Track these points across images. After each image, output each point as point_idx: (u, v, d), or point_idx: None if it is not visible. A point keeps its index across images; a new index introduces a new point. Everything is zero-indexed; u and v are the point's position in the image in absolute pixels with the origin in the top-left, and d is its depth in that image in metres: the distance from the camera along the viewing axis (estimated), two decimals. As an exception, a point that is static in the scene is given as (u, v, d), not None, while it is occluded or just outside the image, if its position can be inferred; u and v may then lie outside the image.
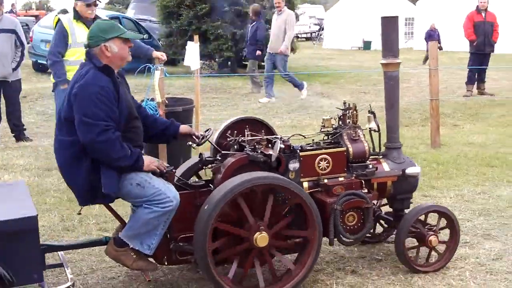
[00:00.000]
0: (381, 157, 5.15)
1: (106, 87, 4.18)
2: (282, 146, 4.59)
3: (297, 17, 21.08)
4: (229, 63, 19.94)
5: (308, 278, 4.64)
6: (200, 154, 4.85)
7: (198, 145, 4.83)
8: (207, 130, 4.92)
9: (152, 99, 7.42)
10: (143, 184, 4.25)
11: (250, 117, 5.08)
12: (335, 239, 4.67)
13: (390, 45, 5.18)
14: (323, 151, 4.77)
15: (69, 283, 4.27)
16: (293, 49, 20.51)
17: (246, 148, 4.67)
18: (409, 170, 5.01)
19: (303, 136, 5.19)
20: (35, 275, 4.03)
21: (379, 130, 5.19)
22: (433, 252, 4.97)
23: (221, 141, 4.88)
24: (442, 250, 4.98)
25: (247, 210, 4.33)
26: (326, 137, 5.06)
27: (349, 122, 5.04)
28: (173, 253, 4.49)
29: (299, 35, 42.36)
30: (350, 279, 4.79)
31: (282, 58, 14.27)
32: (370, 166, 4.94)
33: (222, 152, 4.72)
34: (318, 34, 42.84)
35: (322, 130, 5.07)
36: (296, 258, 4.65)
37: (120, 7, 53.00)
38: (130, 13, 25.78)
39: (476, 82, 14.92)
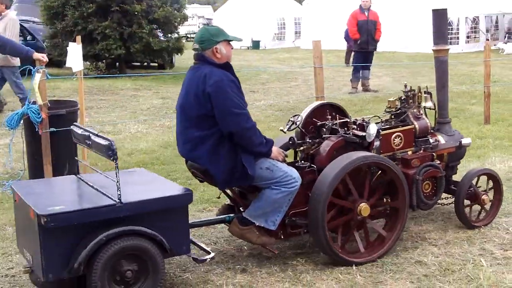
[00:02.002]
0: (435, 131, 5.85)
1: (235, 81, 4.72)
2: (378, 128, 5.22)
3: (185, 17, 21.02)
4: (117, 64, 19.61)
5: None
6: (292, 138, 5.31)
7: (289, 130, 5.42)
8: (295, 116, 5.46)
9: (34, 102, 7.16)
10: (271, 168, 4.77)
11: (328, 103, 5.66)
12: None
13: (441, 34, 5.91)
14: (398, 129, 5.46)
15: (212, 254, 4.74)
16: (180, 50, 20.41)
17: (339, 131, 5.26)
18: (464, 141, 5.83)
19: (378, 116, 5.82)
20: (184, 247, 4.49)
21: (435, 108, 5.86)
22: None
23: (307, 126, 5.45)
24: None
25: (352, 185, 4.92)
26: (391, 116, 5.73)
27: (411, 102, 5.69)
28: (287, 227, 5.00)
29: (189, 36, 42.25)
30: (240, 278, 4.79)
31: (10, 70, 10.98)
32: (432, 140, 5.70)
33: (323, 136, 5.29)
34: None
35: (387, 110, 5.76)
36: (385, 225, 5.31)
37: (2, 7, 51.08)
38: (13, 14, 24.84)
39: (360, 79, 15.34)
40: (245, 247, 5.37)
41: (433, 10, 5.91)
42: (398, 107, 5.72)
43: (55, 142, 7.21)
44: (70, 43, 7.66)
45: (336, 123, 5.34)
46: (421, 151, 5.52)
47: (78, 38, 7.75)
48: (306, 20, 32.41)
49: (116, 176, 4.14)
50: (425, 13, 26.10)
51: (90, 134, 4.48)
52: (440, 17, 5.89)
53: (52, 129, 7.17)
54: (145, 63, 20.68)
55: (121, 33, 18.42)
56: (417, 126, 5.59)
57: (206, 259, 4.67)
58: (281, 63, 24.46)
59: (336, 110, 5.60)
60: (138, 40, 18.45)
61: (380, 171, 5.17)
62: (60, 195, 4.60)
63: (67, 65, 7.69)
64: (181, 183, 7.32)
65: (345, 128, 5.34)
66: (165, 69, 21.42)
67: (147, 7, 18.61)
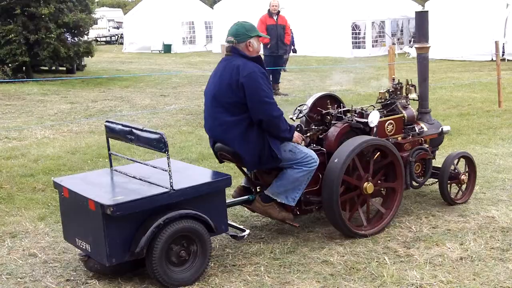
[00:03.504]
0: (418, 120, 6.45)
1: (265, 73, 5.17)
2: (379, 115, 5.81)
3: (95, 21, 20.71)
4: (24, 68, 19.09)
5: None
6: (299, 125, 5.76)
7: (297, 118, 5.93)
8: (301, 105, 6.00)
9: None
10: (294, 150, 5.28)
11: (327, 94, 6.21)
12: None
13: (422, 33, 6.56)
14: (390, 117, 6.06)
15: (247, 231, 5.29)
16: (90, 53, 20.11)
17: (344, 117, 5.88)
18: (445, 128, 6.60)
19: (373, 106, 6.26)
20: (223, 226, 4.99)
21: (418, 99, 6.55)
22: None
23: (311, 115, 6.01)
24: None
25: (359, 164, 5.52)
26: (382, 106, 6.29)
27: (399, 94, 6.34)
28: (302, 204, 5.52)
29: (98, 39, 41.61)
30: (148, 283, 4.74)
31: None
32: (418, 127, 6.33)
33: (332, 122, 5.88)
34: (118, 37, 42.37)
35: (378, 101, 6.33)
36: (383, 203, 5.92)
37: None
38: None
39: (271, 83, 15.47)
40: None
41: (416, 12, 6.64)
42: (388, 98, 6.31)
43: (-45, 149, 7.00)
44: (-29, 47, 7.43)
45: (341, 111, 6.00)
46: (410, 137, 6.17)
47: (-20, 41, 7.52)
48: (217, 24, 32.48)
49: (168, 166, 4.58)
50: (332, 19, 26.77)
51: (132, 129, 4.86)
52: (422, 18, 6.60)
53: (-48, 135, 6.95)
54: (53, 68, 20.23)
55: (27, 38, 17.93)
56: (405, 115, 6.20)
57: (244, 236, 5.23)
58: (193, 67, 24.42)
59: (334, 100, 6.21)
60: (46, 46, 18.01)
61: (379, 154, 5.76)
62: (110, 186, 4.98)
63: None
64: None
65: (348, 116, 5.97)
66: (74, 73, 21.04)
67: (56, 11, 18.19)
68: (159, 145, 4.59)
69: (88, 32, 20.71)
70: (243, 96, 5.05)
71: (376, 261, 5.05)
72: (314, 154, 5.36)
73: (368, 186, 5.60)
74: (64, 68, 21.13)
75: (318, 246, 5.40)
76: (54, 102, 14.44)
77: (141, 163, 5.18)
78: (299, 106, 6.03)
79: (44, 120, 12.16)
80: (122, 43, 38.30)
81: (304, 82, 18.17)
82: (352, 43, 27.39)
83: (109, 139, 5.35)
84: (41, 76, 19.27)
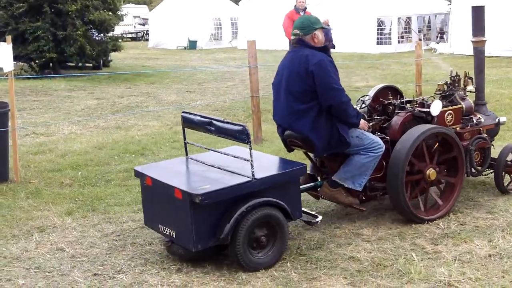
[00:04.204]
0: (475, 111, 6.58)
1: (332, 61, 5.40)
2: (441, 105, 6.01)
3: (121, 18, 20.84)
4: (51, 64, 19.25)
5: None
6: (363, 115, 5.77)
7: (360, 109, 6.09)
8: (364, 96, 6.30)
9: (-38, 104, 7.00)
10: (361, 136, 5.51)
11: (388, 85, 6.46)
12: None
13: (479, 27, 6.71)
14: (450, 107, 6.23)
15: (320, 217, 5.53)
16: (116, 50, 20.23)
17: (406, 107, 6.11)
18: (502, 119, 6.79)
19: (433, 97, 6.38)
20: (298, 212, 5.20)
21: (475, 91, 6.72)
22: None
23: (372, 105, 6.25)
24: None
25: (425, 150, 5.75)
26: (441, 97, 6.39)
27: (457, 86, 6.50)
28: (367, 190, 5.76)
29: (124, 35, 41.85)
30: (175, 278, 4.76)
31: None
32: (476, 118, 6.49)
33: (396, 111, 6.08)
34: (143, 34, 42.55)
35: (437, 92, 6.46)
36: (441, 195, 6.07)
37: None
38: None
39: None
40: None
41: (472, 6, 6.76)
42: (446, 89, 6.45)
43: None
44: (1, 43, 7.49)
45: (403, 101, 6.22)
46: (468, 127, 6.36)
47: (9, 38, 7.60)
48: (242, 20, 32.46)
49: (251, 156, 4.81)
50: (357, 15, 26.63)
51: (212, 121, 5.11)
52: (478, 12, 6.74)
53: (-19, 131, 7.03)
54: (80, 64, 20.39)
55: (54, 34, 18.09)
56: (464, 105, 6.38)
57: (317, 221, 5.47)
58: (218, 63, 24.45)
59: (394, 91, 6.43)
60: (73, 42, 18.15)
61: (442, 145, 5.95)
62: (192, 175, 5.19)
63: (-2, 65, 7.53)
64: (115, 184, 7.25)
65: (412, 105, 6.19)
66: (100, 69, 21.18)
67: (82, 7, 18.30)
68: (242, 136, 4.82)
69: (114, 29, 20.82)
70: (312, 84, 5.30)
71: (404, 258, 5.01)
72: (380, 140, 5.59)
73: (431, 173, 5.80)
74: (91, 64, 21.27)
75: (344, 242, 5.37)
76: (81, 98, 14.54)
77: (218, 152, 5.48)
78: (361, 97, 6.31)
79: (71, 115, 12.26)
80: (147, 40, 38.44)
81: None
82: (377, 39, 27.23)
83: (185, 129, 5.63)
84: (68, 72, 19.41)
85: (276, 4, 27.34)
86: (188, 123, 5.50)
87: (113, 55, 21.79)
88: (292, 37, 5.60)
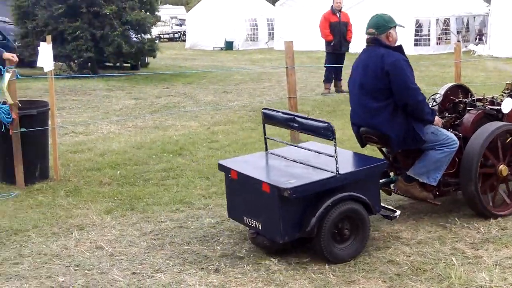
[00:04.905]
0: None
1: (408, 60, 5.56)
2: None
3: (158, 19, 20.97)
4: (90, 64, 19.45)
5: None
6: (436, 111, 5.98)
7: (432, 107, 6.03)
8: (435, 95, 6.36)
9: (4, 102, 7.08)
10: (436, 132, 5.64)
11: (458, 84, 6.60)
12: None
13: None
14: None
15: (398, 212, 5.60)
16: (153, 51, 20.36)
17: (477, 105, 6.20)
18: None
19: (502, 95, 6.55)
20: (377, 206, 5.32)
21: None
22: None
23: (443, 103, 6.35)
24: None
25: (500, 146, 5.87)
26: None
27: None
28: (440, 186, 5.87)
29: (161, 36, 42.10)
30: (213, 278, 4.78)
31: None
32: None
33: (467, 109, 6.17)
34: (181, 34, 42.77)
35: (505, 91, 6.62)
36: (509, 193, 6.14)
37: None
38: None
39: (333, 80, 15.38)
40: (218, 247, 5.36)
41: None
42: None
43: (26, 143, 7.16)
44: (41, 43, 7.58)
45: (474, 99, 6.34)
46: None
47: (49, 37, 7.68)
48: (279, 21, 32.42)
49: (335, 152, 4.93)
50: (395, 16, 26.42)
51: (295, 117, 5.27)
52: None
53: (22, 129, 7.11)
54: (118, 64, 20.58)
55: (93, 34, 18.28)
56: None
57: (396, 216, 5.54)
58: (254, 64, 24.45)
59: (464, 90, 6.57)
60: (110, 42, 18.33)
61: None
62: (276, 169, 5.34)
63: (38, 64, 7.62)
64: (153, 184, 7.30)
65: (483, 103, 6.28)
66: (138, 69, 21.33)
67: (118, 10, 18.47)
68: (327, 133, 4.95)
69: (151, 31, 20.94)
70: (387, 82, 5.46)
71: (444, 262, 4.96)
72: (454, 136, 5.70)
73: (503, 169, 5.89)
74: (129, 64, 21.44)
75: (383, 246, 5.33)
76: (119, 98, 14.66)
77: (299, 147, 5.70)
78: (432, 96, 6.40)
79: (110, 115, 12.37)
80: (184, 40, 38.62)
81: (366, 80, 17.95)
82: (415, 41, 26.96)
83: (265, 125, 5.78)
84: (106, 72, 19.59)
85: (313, 5, 27.26)
86: (269, 119, 5.67)
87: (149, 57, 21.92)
88: (367, 36, 5.72)
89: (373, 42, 5.67)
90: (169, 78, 18.43)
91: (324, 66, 15.46)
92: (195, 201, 6.66)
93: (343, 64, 15.35)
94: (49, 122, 7.64)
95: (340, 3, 15.05)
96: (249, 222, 5.20)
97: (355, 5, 25.81)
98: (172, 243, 5.50)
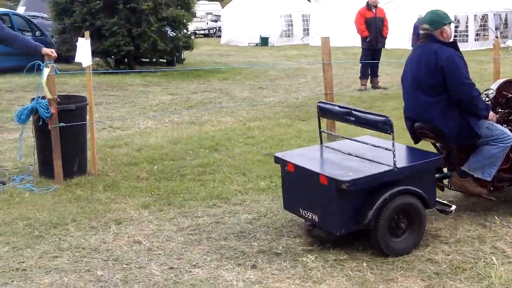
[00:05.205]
0: None
1: (462, 56, 5.59)
2: None
3: (194, 15, 21.04)
4: (126, 60, 19.60)
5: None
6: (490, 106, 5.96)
7: (489, 101, 6.06)
8: (487, 90, 6.21)
9: (44, 97, 7.17)
10: (490, 127, 5.66)
11: (510, 79, 6.39)
12: None
13: None
14: None
15: (454, 206, 5.59)
16: (189, 47, 20.44)
17: None
18: None
19: None
20: (432, 201, 5.35)
21: None
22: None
23: (496, 98, 6.18)
24: None
25: None
26: None
27: None
28: (495, 181, 5.88)
29: (197, 32, 42.25)
30: (250, 274, 4.77)
31: None
32: None
33: None
34: (216, 30, 42.89)
35: None
36: None
37: (11, 3, 51.12)
38: (21, 9, 24.96)
39: (369, 76, 15.29)
40: (255, 243, 5.36)
41: None
42: None
43: (64, 137, 7.23)
44: (80, 39, 7.65)
45: None
46: None
47: (87, 33, 7.74)
48: (314, 17, 32.32)
49: (393, 146, 4.98)
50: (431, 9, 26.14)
51: (352, 111, 5.33)
52: None
53: (61, 124, 7.18)
54: (154, 60, 20.70)
55: (130, 30, 18.41)
56: None
57: (451, 211, 5.56)
58: (289, 60, 24.41)
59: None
60: (147, 38, 18.44)
61: None
62: (333, 162, 5.39)
63: (76, 60, 7.68)
64: (190, 179, 7.32)
65: None
66: (174, 65, 21.44)
67: (155, 6, 18.56)
68: (385, 126, 5.00)
69: (188, 28, 21.02)
70: (441, 78, 5.50)
71: (483, 261, 4.89)
72: (508, 131, 5.70)
73: None
74: (165, 60, 21.56)
75: (422, 244, 5.26)
76: (155, 93, 14.75)
77: (356, 141, 5.70)
78: (485, 91, 6.28)
79: (147, 110, 12.45)
80: (220, 36, 38.72)
81: (403, 76, 17.81)
82: (453, 37, 26.67)
83: (320, 118, 5.86)
84: (143, 68, 19.71)
85: (349, 1, 27.08)
86: (324, 112, 5.74)
87: (186, 51, 22.00)
88: (421, 32, 5.78)
89: (427, 38, 5.71)
90: (204, 74, 18.48)
91: (360, 62, 15.38)
92: (231, 196, 6.67)
93: (379, 60, 15.27)
94: (87, 117, 7.70)
95: (375, -1, 14.97)
96: (305, 214, 5.27)
97: (392, 0, 25.60)
98: (209, 238, 5.51)
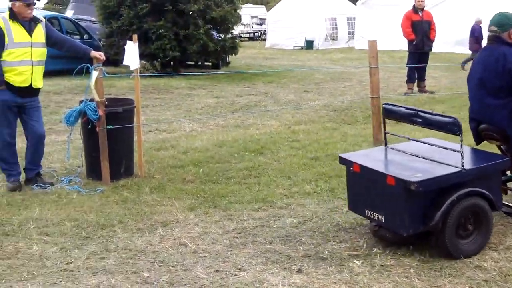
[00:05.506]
0: None
1: None
2: None
3: (240, 18, 21.11)
4: (172, 63, 19.75)
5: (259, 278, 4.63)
6: None
7: None
8: None
9: (92, 100, 7.26)
10: None
11: None
12: None
13: None
14: None
15: None
16: (235, 49, 20.51)
17: None
18: None
19: None
20: (499, 203, 5.32)
21: None
22: None
23: None
24: None
25: None
26: None
27: None
28: None
29: (242, 35, 42.40)
30: (296, 278, 4.75)
31: None
32: None
33: None
34: (261, 33, 42.98)
35: None
36: None
37: (60, 7, 52.01)
38: (69, 13, 25.37)
39: (416, 80, 15.13)
40: (301, 248, 5.33)
41: None
42: None
43: (112, 139, 7.31)
44: (128, 42, 7.73)
45: None
46: None
47: (135, 37, 7.81)
48: (360, 20, 32.14)
49: (461, 148, 4.96)
50: (481, 13, 25.74)
51: (419, 112, 5.33)
52: None
53: (109, 126, 7.26)
54: (199, 63, 20.82)
55: (176, 33, 18.53)
56: None
57: None
58: (334, 63, 24.32)
59: None
60: (194, 41, 18.55)
61: None
62: (399, 163, 5.35)
63: (124, 63, 7.76)
64: (235, 182, 7.33)
65: None
66: (219, 68, 21.54)
67: (204, 7, 18.66)
68: (453, 128, 4.97)
69: (233, 29, 21.10)
70: (509, 80, 5.47)
71: (535, 269, 4.79)
72: None
73: None
74: (210, 64, 21.67)
75: (471, 250, 5.18)
76: (201, 96, 14.82)
77: (422, 142, 5.74)
78: None
79: (192, 113, 12.52)
80: (264, 40, 38.79)
81: (450, 80, 17.62)
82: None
83: (385, 120, 5.88)
84: (188, 71, 19.84)
85: (395, 4, 26.85)
86: (390, 114, 5.74)
87: (231, 55, 22.09)
88: (489, 34, 5.75)
89: (495, 40, 5.69)
90: (249, 77, 18.52)
91: (407, 66, 15.23)
92: (277, 200, 6.66)
93: (426, 63, 15.08)
94: (134, 120, 7.77)
95: (422, 1, 14.81)
96: (371, 215, 5.28)
97: (439, 3, 25.30)
98: (254, 242, 5.50)
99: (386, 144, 5.82)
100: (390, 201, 5.03)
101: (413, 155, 5.43)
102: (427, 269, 4.86)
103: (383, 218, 5.14)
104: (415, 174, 4.92)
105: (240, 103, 13.92)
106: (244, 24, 40.75)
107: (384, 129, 5.85)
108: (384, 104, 5.80)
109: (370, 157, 5.54)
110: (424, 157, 5.33)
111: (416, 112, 5.38)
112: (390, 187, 4.96)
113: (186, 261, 5.12)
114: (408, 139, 5.96)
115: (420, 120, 5.30)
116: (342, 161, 5.58)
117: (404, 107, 5.59)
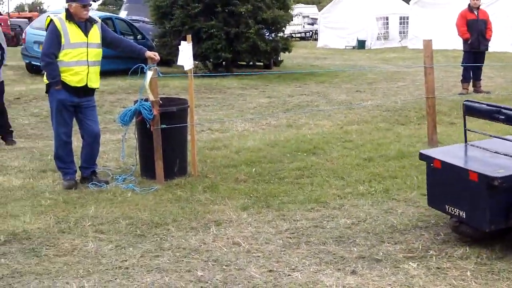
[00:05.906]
0: None
1: None
2: None
3: (291, 17, 21.10)
4: (224, 63, 19.84)
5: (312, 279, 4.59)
6: None
7: None
8: None
9: (146, 100, 7.33)
10: None
11: None
12: None
13: None
14: None
15: None
16: (287, 49, 20.50)
17: None
18: None
19: None
20: None
21: None
22: None
23: None
24: None
25: None
26: None
27: None
28: None
29: (293, 35, 42.35)
30: (350, 279, 4.71)
31: None
32: None
33: None
34: (312, 33, 42.88)
35: None
36: None
37: (114, 8, 52.74)
38: (123, 14, 25.71)
39: (471, 80, 14.87)
40: (354, 249, 5.29)
41: None
42: None
43: (166, 139, 7.37)
44: (182, 42, 7.78)
45: None
46: None
47: (189, 37, 7.86)
48: (413, 19, 31.78)
49: None
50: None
51: (502, 109, 5.28)
52: None
53: (163, 125, 7.32)
54: (251, 63, 20.87)
55: (227, 33, 18.60)
56: None
57: None
58: (387, 63, 24.09)
59: None
60: (245, 40, 18.59)
61: None
62: (482, 159, 5.37)
63: (179, 63, 7.82)
64: (288, 182, 7.32)
65: None
66: (270, 68, 21.54)
67: (254, 8, 18.68)
68: None
69: (285, 29, 21.08)
70: None
71: None
72: None
73: None
74: (261, 64, 21.69)
75: (530, 254, 5.07)
76: (253, 96, 14.85)
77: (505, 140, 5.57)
78: None
79: (244, 113, 12.55)
80: (316, 39, 38.67)
81: (506, 80, 17.27)
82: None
83: (465, 117, 5.78)
84: (239, 71, 19.89)
85: (449, 2, 26.47)
86: (471, 111, 5.68)
87: (283, 55, 22.08)
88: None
89: None
90: (301, 77, 18.48)
91: (461, 65, 14.99)
92: (330, 200, 6.62)
93: (483, 63, 14.81)
94: (188, 119, 7.82)
95: (477, 0, 14.54)
96: (452, 211, 5.29)
97: (495, 2, 24.83)
98: (308, 242, 5.48)
99: (466, 141, 5.79)
100: (471, 196, 5.04)
101: (495, 152, 5.41)
102: (484, 272, 4.77)
103: (464, 214, 5.15)
104: (498, 170, 4.91)
105: (292, 102, 13.90)
106: (296, 24, 40.70)
107: (465, 126, 5.81)
108: (465, 101, 5.76)
109: (451, 153, 5.59)
110: (507, 154, 5.29)
111: (498, 109, 5.34)
112: (472, 182, 4.98)
113: (240, 260, 5.12)
114: (490, 136, 5.89)
115: (503, 117, 5.26)
116: (422, 157, 5.61)
117: (485, 104, 5.55)
